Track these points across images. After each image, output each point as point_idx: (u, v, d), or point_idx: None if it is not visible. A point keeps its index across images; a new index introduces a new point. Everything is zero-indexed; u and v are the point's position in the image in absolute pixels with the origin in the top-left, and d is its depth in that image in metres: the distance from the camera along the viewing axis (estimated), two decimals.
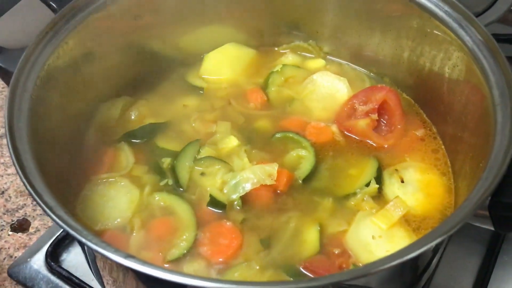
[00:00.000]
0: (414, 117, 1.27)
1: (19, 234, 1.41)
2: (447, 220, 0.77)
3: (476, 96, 1.02)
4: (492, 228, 0.86)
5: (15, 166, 0.84)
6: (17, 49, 1.05)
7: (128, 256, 0.73)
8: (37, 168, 0.87)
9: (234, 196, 1.10)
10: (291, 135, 1.22)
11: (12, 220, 1.43)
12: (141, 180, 1.15)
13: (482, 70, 0.99)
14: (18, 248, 1.38)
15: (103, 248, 0.73)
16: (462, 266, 1.21)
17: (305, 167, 1.15)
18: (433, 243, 0.73)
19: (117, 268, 0.87)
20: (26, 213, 1.44)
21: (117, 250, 0.74)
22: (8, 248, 1.38)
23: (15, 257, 1.35)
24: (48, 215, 0.76)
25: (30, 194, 0.80)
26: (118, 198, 1.11)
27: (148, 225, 1.08)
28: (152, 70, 1.34)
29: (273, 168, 1.10)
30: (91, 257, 0.97)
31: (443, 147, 1.20)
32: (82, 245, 0.87)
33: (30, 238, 1.40)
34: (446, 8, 1.09)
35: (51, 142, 1.03)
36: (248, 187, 1.09)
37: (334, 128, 1.24)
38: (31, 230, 1.42)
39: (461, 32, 1.06)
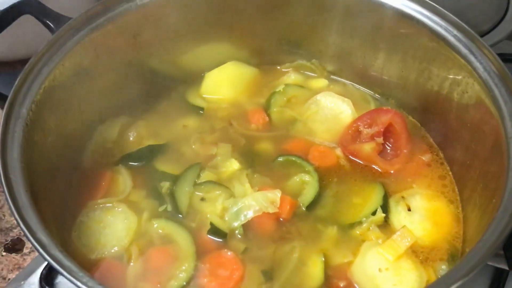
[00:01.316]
0: (420, 141, 1.25)
1: (13, 254, 1.37)
2: (462, 263, 0.74)
3: (486, 125, 0.99)
4: (507, 268, 0.83)
5: (7, 200, 0.80)
6: (11, 72, 1.01)
7: None
8: (31, 200, 0.84)
9: (236, 224, 1.07)
10: (294, 159, 1.19)
11: (6, 240, 1.39)
12: (139, 205, 1.12)
13: (493, 99, 0.96)
14: (11, 270, 1.34)
15: None
16: None
17: (309, 194, 1.13)
18: None
19: None
20: (20, 233, 1.40)
21: None
22: (1, 269, 1.34)
23: (9, 279, 1.31)
24: (42, 256, 0.73)
25: (23, 231, 0.76)
26: (115, 224, 1.09)
27: (146, 254, 1.05)
28: (151, 90, 1.31)
29: (276, 195, 1.08)
30: None
31: (450, 173, 1.18)
32: None
33: (24, 259, 1.36)
34: (456, 32, 1.06)
35: (46, 168, 1.00)
36: (250, 214, 1.07)
37: (339, 151, 1.21)
38: (25, 250, 1.38)
39: (471, 58, 1.03)
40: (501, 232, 0.76)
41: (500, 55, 1.02)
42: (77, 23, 1.10)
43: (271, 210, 1.06)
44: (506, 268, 0.82)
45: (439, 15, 1.10)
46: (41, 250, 0.74)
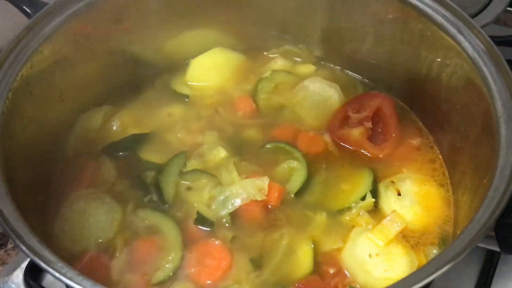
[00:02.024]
0: (410, 125, 1.23)
1: None
2: (452, 245, 0.72)
3: (476, 106, 0.97)
4: (498, 249, 0.81)
5: None
6: None
7: None
8: (8, 190, 0.80)
9: (223, 213, 1.05)
10: (282, 145, 1.17)
11: None
12: (124, 196, 1.10)
13: (483, 79, 0.94)
14: None
15: (79, 284, 0.67)
16: (460, 279, 1.17)
17: (297, 180, 1.11)
18: (439, 272, 0.69)
19: None
20: None
21: (94, 285, 0.67)
22: None
23: None
24: (17, 246, 0.70)
25: (0, 224, 0.73)
26: (99, 216, 1.06)
27: (131, 245, 1.03)
28: (134, 77, 1.28)
29: (264, 182, 1.06)
30: None
31: (440, 157, 1.16)
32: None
33: (8, 255, 1.33)
34: (444, 12, 1.04)
35: (25, 158, 0.97)
36: (237, 202, 1.05)
37: (327, 137, 1.19)
38: (9, 246, 1.35)
39: (460, 38, 1.00)
40: (492, 212, 0.75)
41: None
42: (55, 8, 1.06)
43: (259, 197, 1.04)
44: (498, 249, 0.81)
45: None
46: (17, 241, 0.71)
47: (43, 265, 0.69)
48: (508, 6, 1.40)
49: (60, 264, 0.70)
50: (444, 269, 0.69)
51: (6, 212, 0.75)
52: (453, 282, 1.15)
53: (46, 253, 0.72)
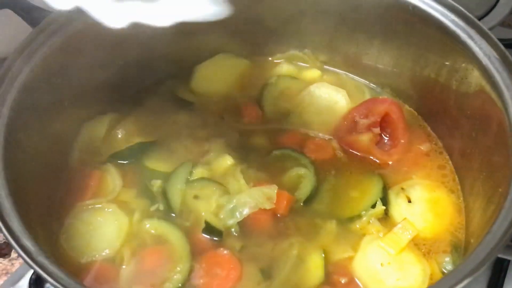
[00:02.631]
0: (418, 131, 1.22)
1: (0, 259, 1.33)
2: (471, 257, 0.71)
3: (488, 112, 0.96)
4: None
5: None
6: None
7: None
8: (14, 204, 0.79)
9: (231, 222, 1.04)
10: (289, 153, 1.16)
11: None
12: (130, 205, 1.09)
13: (494, 85, 0.93)
14: None
15: None
16: (470, 285, 1.15)
17: (306, 188, 1.10)
18: (459, 286, 0.67)
19: None
20: None
21: None
22: None
23: None
24: (26, 263, 0.69)
25: (5, 237, 0.72)
26: (106, 226, 1.05)
27: (138, 255, 1.02)
28: (138, 85, 1.27)
29: (272, 190, 1.05)
30: None
31: (450, 162, 1.15)
32: None
33: (12, 264, 1.32)
34: (453, 17, 1.02)
35: (30, 170, 0.96)
36: (245, 212, 1.03)
37: (335, 143, 1.19)
38: (13, 255, 1.34)
39: (471, 43, 0.99)
40: (511, 222, 0.74)
41: None
42: (59, 16, 1.05)
43: (268, 206, 1.03)
44: None
45: (434, 0, 1.06)
46: (25, 257, 0.70)
47: (52, 281, 0.68)
48: None
49: (69, 281, 0.69)
50: (464, 283, 0.68)
51: (15, 229, 0.74)
52: None
53: (55, 269, 0.70)
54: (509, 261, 1.15)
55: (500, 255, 0.78)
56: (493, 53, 0.96)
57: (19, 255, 0.70)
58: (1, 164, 0.84)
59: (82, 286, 0.70)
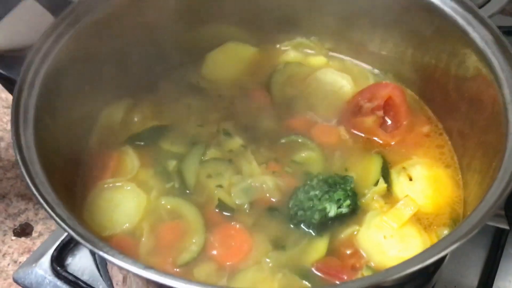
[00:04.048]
0: (419, 113, 1.27)
1: (22, 238, 1.39)
2: (464, 224, 0.77)
3: (485, 94, 1.01)
4: (507, 227, 0.86)
5: (25, 178, 0.82)
6: (18, 56, 1.02)
7: (147, 267, 0.72)
8: (47, 179, 0.85)
9: (242, 201, 1.10)
10: (296, 138, 1.21)
11: (15, 225, 1.41)
12: (148, 183, 1.14)
13: (491, 68, 0.99)
14: (22, 253, 1.36)
15: (121, 260, 0.72)
16: (467, 260, 1.21)
17: (313, 170, 1.15)
18: (451, 248, 0.73)
19: (133, 277, 0.86)
20: (28, 218, 1.42)
21: (134, 262, 0.73)
22: (12, 253, 1.36)
23: (20, 262, 1.33)
24: (64, 229, 0.75)
25: (44, 208, 0.79)
26: (125, 203, 1.10)
27: (156, 229, 1.07)
28: (153, 72, 1.32)
29: (283, 182, 1.10)
30: (103, 264, 0.96)
31: (449, 143, 1.20)
32: (94, 255, 0.85)
33: (33, 243, 1.39)
34: (453, 4, 1.08)
35: (56, 150, 1.01)
36: (256, 195, 1.09)
37: (340, 126, 1.23)
38: (34, 234, 1.40)
39: (469, 28, 1.04)
40: (502, 191, 0.79)
41: None
42: (80, 6, 1.11)
43: (275, 197, 1.09)
44: (507, 227, 0.86)
45: None
46: (63, 224, 0.76)
47: (89, 245, 0.74)
48: None
49: (101, 244, 0.76)
50: (455, 245, 0.73)
51: (50, 200, 0.80)
52: (461, 264, 1.20)
53: (89, 235, 0.77)
54: (506, 237, 1.21)
55: (490, 223, 0.83)
56: (490, 38, 1.02)
57: (56, 223, 0.76)
58: (33, 142, 0.90)
59: (116, 251, 0.75)
